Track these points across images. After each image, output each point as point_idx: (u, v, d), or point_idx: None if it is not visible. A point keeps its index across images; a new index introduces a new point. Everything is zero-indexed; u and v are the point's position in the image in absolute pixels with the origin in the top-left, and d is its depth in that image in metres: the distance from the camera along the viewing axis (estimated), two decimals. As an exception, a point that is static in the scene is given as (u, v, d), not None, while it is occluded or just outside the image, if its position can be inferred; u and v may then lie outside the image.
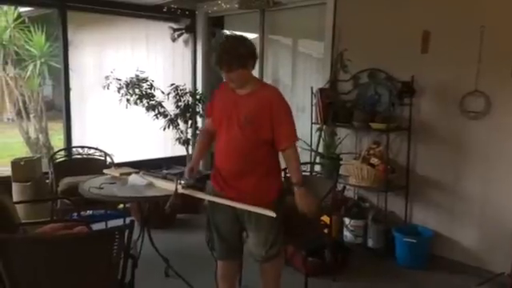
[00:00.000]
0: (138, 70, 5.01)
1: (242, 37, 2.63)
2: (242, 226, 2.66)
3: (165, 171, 3.16)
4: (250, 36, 5.58)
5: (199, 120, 5.56)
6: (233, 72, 2.47)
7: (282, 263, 2.84)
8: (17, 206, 3.34)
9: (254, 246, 2.64)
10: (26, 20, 7.64)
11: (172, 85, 5.10)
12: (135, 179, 3.10)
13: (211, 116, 2.73)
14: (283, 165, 2.71)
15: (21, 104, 8.03)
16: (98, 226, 3.83)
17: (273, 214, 2.43)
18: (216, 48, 2.52)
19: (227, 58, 2.45)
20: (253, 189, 2.55)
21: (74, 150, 4.69)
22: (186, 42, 5.94)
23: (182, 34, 5.85)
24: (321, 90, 4.28)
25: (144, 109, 4.97)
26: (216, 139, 2.67)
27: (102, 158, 4.40)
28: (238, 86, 2.56)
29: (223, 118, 2.59)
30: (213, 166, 2.73)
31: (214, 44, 2.58)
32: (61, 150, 4.59)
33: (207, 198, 2.68)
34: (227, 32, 5.88)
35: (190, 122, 5.29)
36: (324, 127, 4.30)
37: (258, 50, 2.63)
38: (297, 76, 5.15)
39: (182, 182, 2.78)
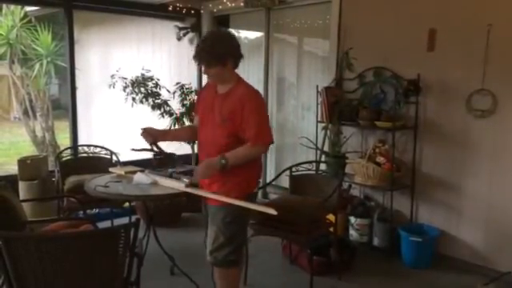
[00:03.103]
0: (143, 69, 5.03)
1: (223, 34, 2.64)
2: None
3: (170, 169, 3.16)
4: (256, 34, 5.59)
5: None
6: (211, 69, 2.51)
7: (234, 282, 2.68)
8: (23, 204, 3.37)
9: (208, 242, 2.62)
10: (33, 19, 7.69)
11: (177, 83, 5.11)
12: (140, 178, 3.11)
13: (197, 114, 2.79)
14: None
15: (27, 103, 8.09)
16: (103, 225, 3.87)
17: (274, 212, 2.42)
18: (197, 44, 2.59)
19: (205, 56, 2.50)
20: (220, 186, 2.54)
21: (79, 148, 4.71)
22: (191, 41, 5.94)
23: (187, 32, 5.85)
24: (326, 89, 4.27)
25: (149, 107, 4.98)
26: (198, 136, 2.72)
27: (108, 157, 4.42)
28: (217, 82, 2.60)
29: (204, 115, 2.66)
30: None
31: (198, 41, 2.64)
32: (67, 149, 4.61)
33: (211, 196, 2.67)
34: (233, 30, 5.89)
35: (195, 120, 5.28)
36: (329, 126, 4.29)
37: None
38: (302, 74, 5.14)
39: (186, 180, 2.79)
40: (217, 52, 2.48)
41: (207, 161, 2.52)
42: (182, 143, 5.24)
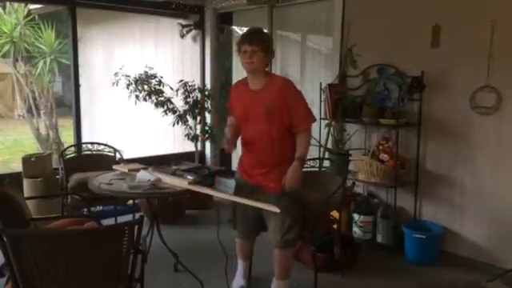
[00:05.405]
0: (146, 67, 5.03)
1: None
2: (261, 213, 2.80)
3: (174, 167, 3.16)
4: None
5: (208, 116, 5.57)
6: (257, 53, 2.63)
7: (292, 254, 3.03)
8: (28, 201, 3.38)
9: (272, 231, 2.80)
10: (36, 17, 7.69)
11: (181, 81, 5.11)
12: (144, 175, 3.11)
13: (233, 114, 2.94)
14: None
15: (31, 101, 8.10)
16: (107, 222, 3.88)
17: (276, 210, 2.52)
18: (247, 30, 2.78)
19: (259, 37, 2.68)
20: (277, 176, 2.71)
21: (83, 146, 4.71)
22: (194, 38, 5.94)
23: (190, 30, 5.85)
24: (330, 86, 4.27)
25: (153, 105, 4.98)
26: (242, 133, 2.84)
27: (112, 154, 4.42)
28: (251, 69, 2.69)
29: (245, 114, 2.77)
30: (240, 158, 2.93)
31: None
32: (71, 146, 4.62)
33: (214, 194, 2.68)
34: (236, 28, 5.89)
35: (198, 118, 5.30)
36: (333, 123, 4.28)
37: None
38: (305, 71, 5.13)
39: (190, 177, 2.79)
40: (267, 38, 2.78)
41: (292, 170, 2.68)
42: (185, 141, 5.28)
